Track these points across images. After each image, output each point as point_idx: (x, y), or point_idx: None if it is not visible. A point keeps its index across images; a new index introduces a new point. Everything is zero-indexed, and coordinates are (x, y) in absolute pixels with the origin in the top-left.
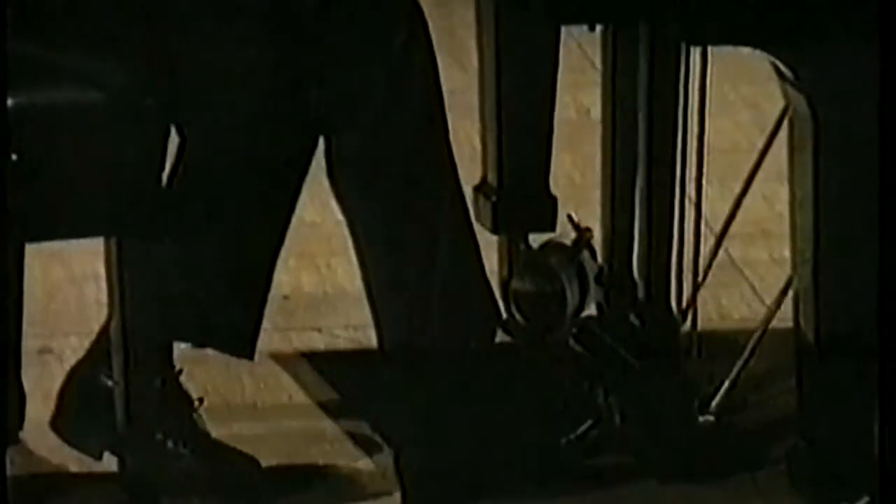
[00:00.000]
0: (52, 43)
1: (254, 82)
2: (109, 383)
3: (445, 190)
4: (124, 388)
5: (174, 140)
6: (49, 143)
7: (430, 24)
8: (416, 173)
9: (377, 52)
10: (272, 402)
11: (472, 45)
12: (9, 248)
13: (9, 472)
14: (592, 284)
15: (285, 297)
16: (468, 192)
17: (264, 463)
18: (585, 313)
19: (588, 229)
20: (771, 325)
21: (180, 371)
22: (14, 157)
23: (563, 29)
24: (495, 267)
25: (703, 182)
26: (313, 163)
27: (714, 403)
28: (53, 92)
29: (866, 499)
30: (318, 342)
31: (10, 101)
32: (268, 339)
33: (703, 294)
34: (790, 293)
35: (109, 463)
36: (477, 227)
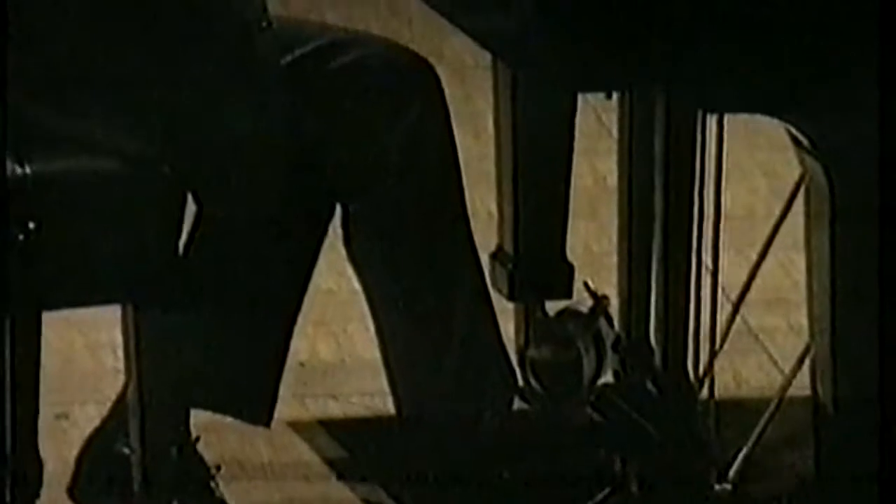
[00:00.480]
0: (69, 111)
1: (270, 150)
2: (126, 451)
3: (462, 257)
4: (141, 455)
5: (191, 207)
6: (66, 211)
7: (447, 92)
8: (432, 241)
9: (393, 120)
10: (289, 469)
11: (489, 112)
12: (26, 315)
13: None
14: (609, 352)
15: (301, 365)
16: (485, 259)
17: None
18: (602, 381)
19: (605, 297)
20: (788, 393)
21: (197, 438)
22: (31, 225)
23: (580, 96)
24: (512, 334)
25: (720, 249)
26: (330, 230)
27: (731, 471)
28: (70, 160)
29: None
30: (335, 409)
31: (27, 170)
32: (284, 407)
33: (719, 361)
34: (807, 361)
35: None
36: (493, 294)
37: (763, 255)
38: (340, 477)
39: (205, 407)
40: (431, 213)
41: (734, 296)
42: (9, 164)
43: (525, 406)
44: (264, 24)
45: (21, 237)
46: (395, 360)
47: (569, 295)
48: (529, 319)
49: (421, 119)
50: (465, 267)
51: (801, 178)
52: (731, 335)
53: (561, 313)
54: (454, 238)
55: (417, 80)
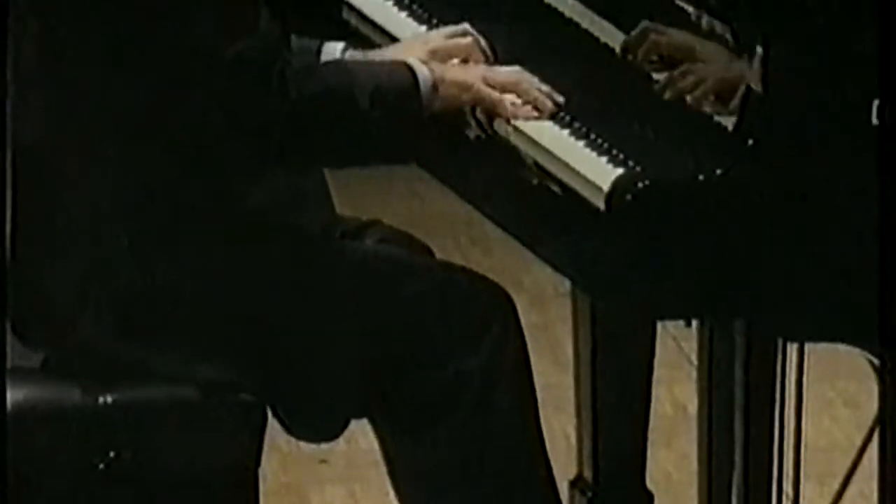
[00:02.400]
0: (147, 344)
1: (348, 380)
2: None
3: (541, 486)
4: None
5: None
6: (145, 441)
7: (526, 320)
8: (511, 467)
9: (470, 348)
10: None
11: (568, 339)
12: None
13: None
14: None
15: None
16: (563, 487)
17: None
18: None
19: None
20: None
21: None
22: (112, 454)
23: (659, 324)
24: None
25: (801, 480)
26: None
27: None
28: (149, 390)
29: None
30: None
31: (108, 399)
32: None
33: None
34: None
35: None
36: None
37: (844, 486)
38: None
39: None
40: (508, 439)
41: None
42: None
43: None
44: (338, 234)
45: (102, 466)
46: None
47: None
48: None
49: (498, 347)
50: (545, 495)
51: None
52: None
53: None
54: (532, 464)
55: (495, 308)
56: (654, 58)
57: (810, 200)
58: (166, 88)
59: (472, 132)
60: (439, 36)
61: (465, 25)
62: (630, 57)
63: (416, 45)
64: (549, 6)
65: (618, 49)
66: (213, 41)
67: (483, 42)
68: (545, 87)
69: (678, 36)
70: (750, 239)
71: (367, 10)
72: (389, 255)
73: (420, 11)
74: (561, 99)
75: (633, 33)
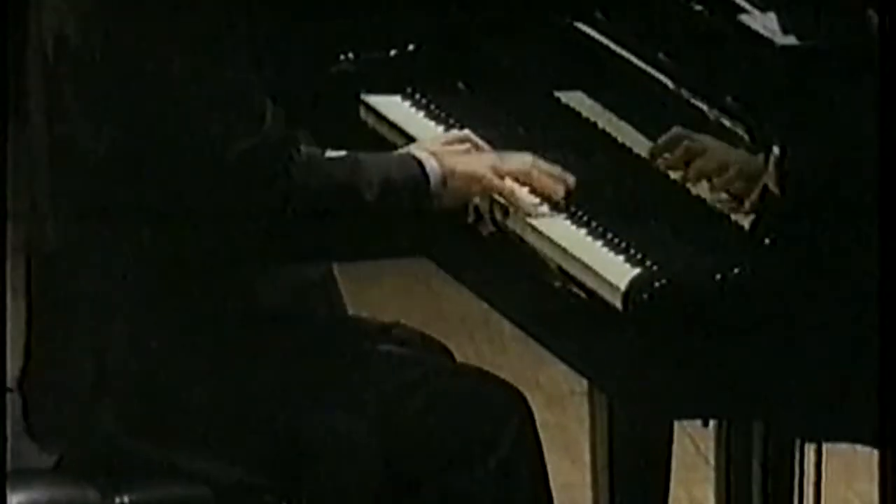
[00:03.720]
0: (162, 443)
1: (364, 483)
2: None
3: None
4: None
5: None
6: None
7: (543, 420)
8: None
9: (486, 449)
10: None
11: (584, 439)
12: None
13: None
14: None
15: None
16: None
17: None
18: None
19: None
20: None
21: None
22: None
23: (676, 424)
24: None
25: None
26: None
27: None
28: (165, 490)
29: None
30: None
31: (124, 499)
32: None
33: None
34: None
35: None
36: None
37: None
38: None
39: None
40: None
41: None
42: (104, 493)
43: None
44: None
45: None
46: None
47: None
48: None
49: (514, 447)
50: None
51: None
52: None
53: None
54: None
55: (510, 410)
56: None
57: (827, 300)
58: (172, 186)
59: (486, 228)
60: (438, 142)
61: (467, 132)
62: (659, 163)
63: (417, 150)
64: (565, 105)
65: (636, 149)
66: (218, 139)
67: (485, 147)
68: (556, 171)
69: (709, 142)
70: (767, 339)
71: (384, 110)
72: (405, 357)
73: (438, 111)
74: (573, 180)
75: (664, 139)
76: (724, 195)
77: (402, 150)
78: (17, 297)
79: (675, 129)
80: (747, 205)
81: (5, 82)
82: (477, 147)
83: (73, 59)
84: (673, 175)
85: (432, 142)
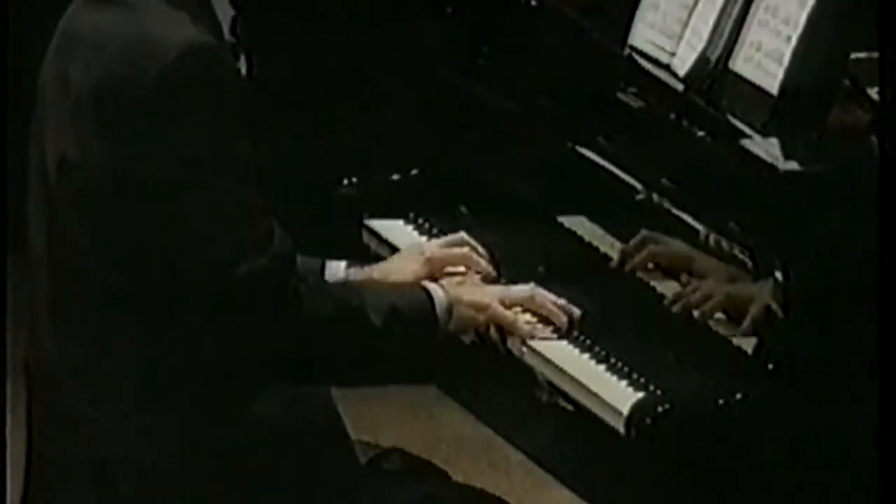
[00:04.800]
0: None
1: None
2: None
3: None
4: None
5: None
6: None
7: None
8: None
9: None
10: None
11: None
12: None
13: None
14: None
15: None
16: None
17: None
18: None
19: None
20: None
21: None
22: None
23: None
24: None
25: None
26: None
27: None
28: None
29: None
30: None
31: None
32: None
33: None
34: None
35: None
36: None
37: None
38: None
39: None
40: None
41: None
42: None
43: None
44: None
45: None
46: None
47: None
48: None
49: None
50: None
51: None
52: None
53: None
54: None
55: None
56: (651, 266)
57: (830, 426)
58: (177, 306)
59: (487, 351)
60: (436, 245)
61: (462, 234)
62: (627, 265)
63: (413, 254)
64: (567, 229)
65: (638, 273)
66: (227, 259)
67: (481, 250)
68: (561, 301)
69: (676, 246)
70: (770, 461)
71: (386, 234)
72: (405, 486)
73: (440, 235)
74: (578, 312)
75: (632, 242)
76: (720, 315)
77: (393, 265)
78: (17, 423)
79: (643, 232)
80: (744, 326)
81: (5, 87)
82: (476, 251)
83: (76, 182)
84: (674, 305)
85: (422, 249)
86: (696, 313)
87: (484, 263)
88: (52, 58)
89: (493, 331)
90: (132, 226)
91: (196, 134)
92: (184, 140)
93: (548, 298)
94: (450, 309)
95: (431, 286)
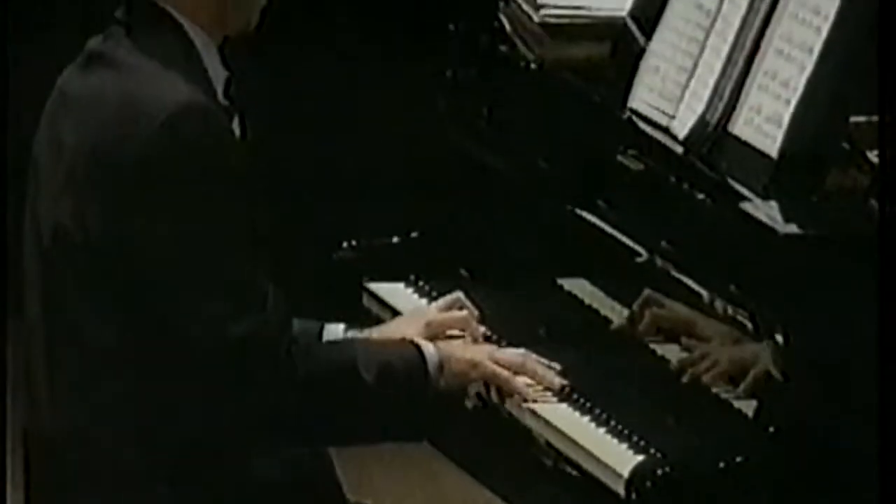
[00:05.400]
0: None
1: None
2: None
3: None
4: None
5: None
6: None
7: None
8: None
9: None
10: None
11: None
12: None
13: None
14: None
15: None
16: None
17: None
18: None
19: None
20: None
21: None
22: None
23: None
24: None
25: None
26: None
27: None
28: None
29: None
30: None
31: None
32: None
33: None
34: None
35: None
36: None
37: None
38: None
39: None
40: None
41: None
42: None
43: None
44: None
45: None
46: None
47: None
48: None
49: None
50: None
51: None
52: None
53: None
54: None
55: None
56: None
57: (830, 488)
58: (175, 365)
59: (473, 402)
60: (435, 309)
61: (459, 295)
62: (632, 329)
63: (412, 319)
64: (568, 292)
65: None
66: (222, 321)
67: (476, 312)
68: (553, 366)
69: (678, 309)
70: None
71: (386, 297)
72: None
73: (440, 298)
74: (565, 382)
75: (636, 304)
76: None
77: (392, 329)
78: (17, 488)
79: (646, 292)
80: (742, 387)
81: (6, 85)
82: (472, 315)
83: (71, 248)
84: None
85: (421, 313)
86: (703, 379)
87: (481, 328)
88: (45, 123)
89: (493, 393)
90: (128, 288)
91: (191, 194)
92: (179, 201)
93: (539, 364)
94: (441, 365)
95: (423, 342)
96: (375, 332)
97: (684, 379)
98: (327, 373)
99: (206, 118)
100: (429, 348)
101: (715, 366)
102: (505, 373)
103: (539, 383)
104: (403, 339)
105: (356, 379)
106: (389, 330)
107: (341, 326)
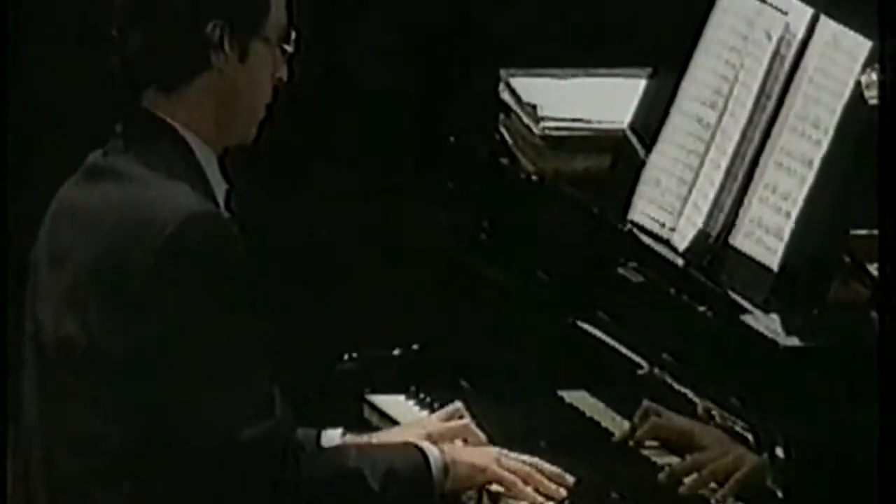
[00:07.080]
0: None
1: None
2: None
3: None
4: None
5: None
6: None
7: None
8: None
9: None
10: None
11: None
12: None
13: None
14: None
15: None
16: None
17: None
18: None
19: None
20: None
21: None
22: None
23: None
24: None
25: None
26: None
27: None
28: None
29: None
30: None
31: None
32: None
33: None
34: None
35: None
36: None
37: None
38: None
39: None
40: None
41: None
42: None
43: None
44: None
45: None
46: None
47: None
48: None
49: None
50: None
51: None
52: None
53: None
54: None
55: None
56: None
57: None
58: (182, 468)
59: None
60: (435, 419)
61: (458, 405)
62: (631, 439)
63: (413, 429)
64: (569, 404)
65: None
66: (230, 425)
67: (472, 425)
68: (556, 471)
69: (678, 420)
70: None
71: (387, 409)
72: None
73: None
74: (572, 480)
75: (637, 415)
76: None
77: (392, 437)
78: None
79: (645, 403)
80: (725, 489)
81: (6, 85)
82: (471, 425)
83: (77, 357)
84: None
85: (422, 424)
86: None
87: (482, 436)
88: (45, 234)
89: (485, 500)
90: (137, 396)
91: (201, 302)
92: (188, 309)
93: (545, 469)
94: (446, 469)
95: (427, 446)
96: (375, 438)
97: (683, 490)
98: (332, 478)
99: (216, 226)
100: (433, 452)
101: (708, 477)
102: (510, 476)
103: (544, 493)
104: (407, 443)
105: (361, 484)
106: (390, 437)
107: (338, 431)
